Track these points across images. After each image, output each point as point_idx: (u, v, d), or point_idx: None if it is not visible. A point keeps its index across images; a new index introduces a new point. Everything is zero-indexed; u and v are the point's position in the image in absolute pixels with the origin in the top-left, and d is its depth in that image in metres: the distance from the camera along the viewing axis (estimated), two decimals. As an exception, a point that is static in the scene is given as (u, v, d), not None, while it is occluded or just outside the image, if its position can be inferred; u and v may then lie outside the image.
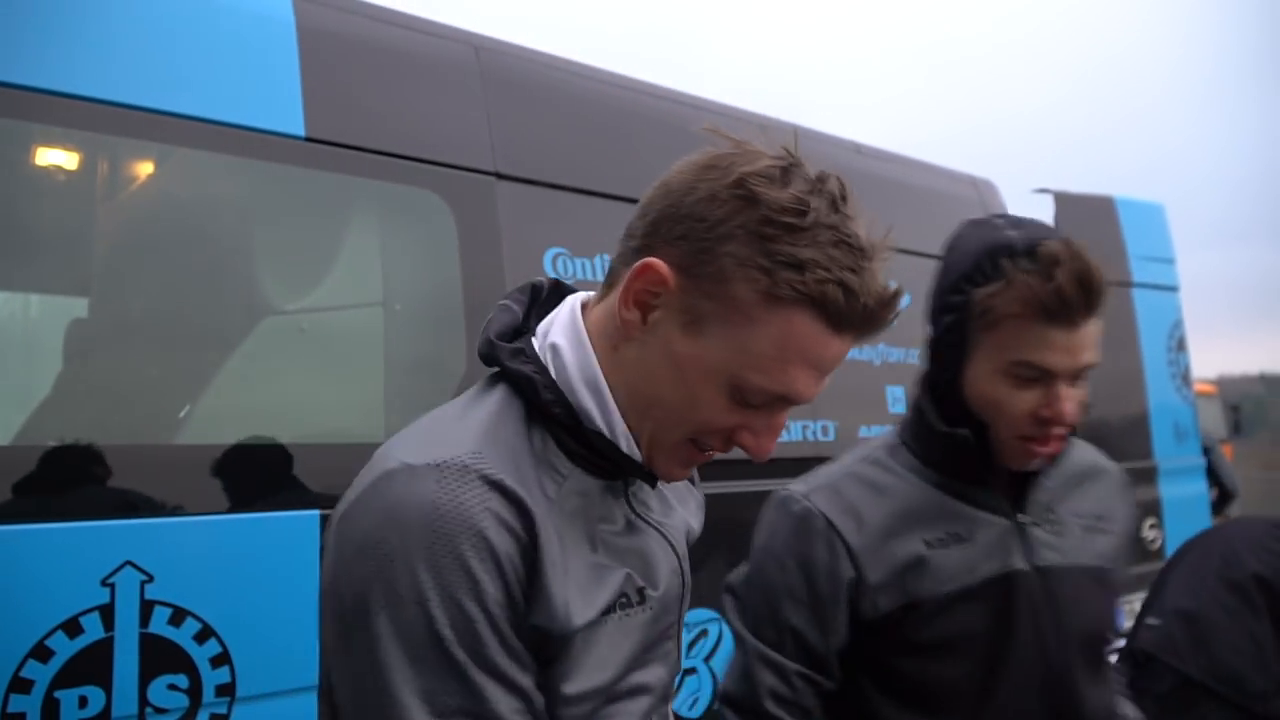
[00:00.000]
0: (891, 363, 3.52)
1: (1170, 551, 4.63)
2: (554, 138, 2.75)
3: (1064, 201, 4.59)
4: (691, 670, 2.81)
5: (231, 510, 2.04)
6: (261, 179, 2.27)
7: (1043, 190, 4.64)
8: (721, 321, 0.91)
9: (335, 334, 2.37)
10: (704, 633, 2.85)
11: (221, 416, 2.19)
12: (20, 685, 1.77)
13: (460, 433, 0.92)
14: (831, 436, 3.24)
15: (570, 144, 2.78)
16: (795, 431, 3.15)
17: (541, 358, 0.98)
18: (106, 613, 1.86)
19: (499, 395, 0.98)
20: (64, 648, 1.81)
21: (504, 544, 0.86)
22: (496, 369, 1.00)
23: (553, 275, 2.58)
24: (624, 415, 0.96)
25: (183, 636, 1.93)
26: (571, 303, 1.03)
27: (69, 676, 1.81)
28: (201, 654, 1.95)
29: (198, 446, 2.12)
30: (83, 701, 1.83)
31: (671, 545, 1.05)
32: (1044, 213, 4.57)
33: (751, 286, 0.89)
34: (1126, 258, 4.76)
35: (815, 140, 3.56)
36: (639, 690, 0.99)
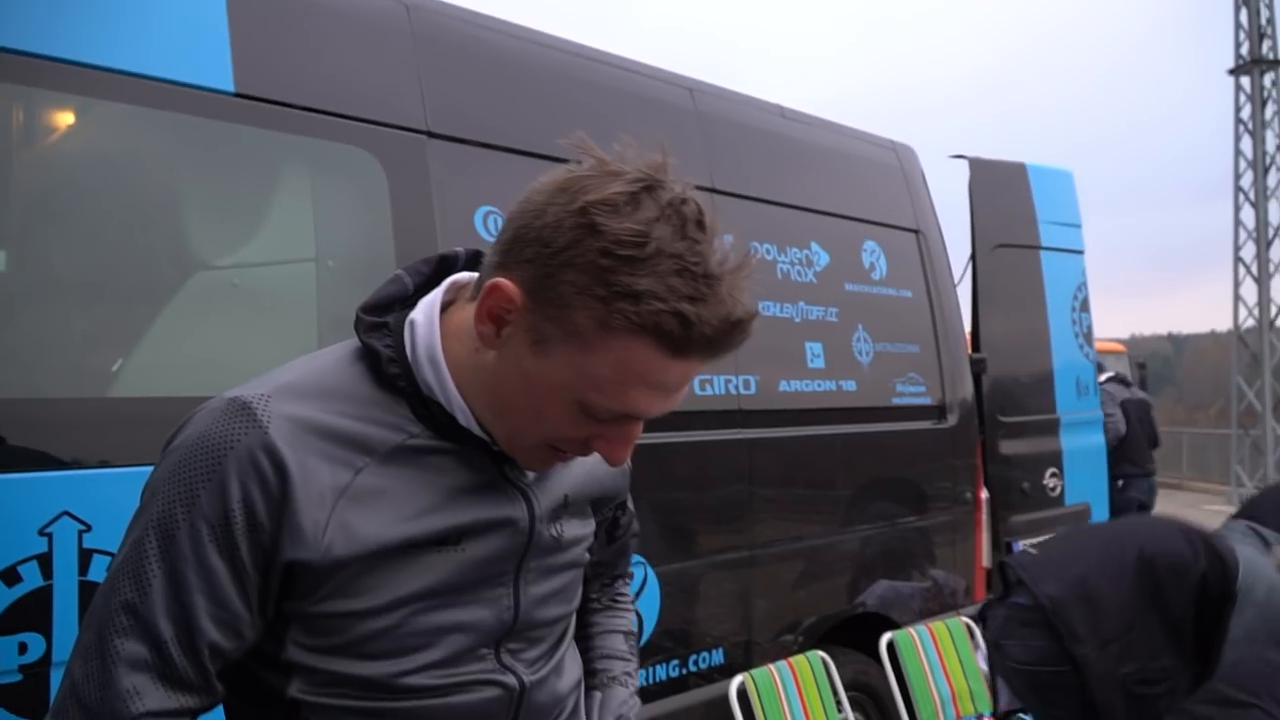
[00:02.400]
0: (811, 320, 3.65)
1: (1070, 499, 4.90)
2: (485, 97, 2.79)
3: (978, 167, 4.75)
4: (617, 614, 2.92)
5: (167, 461, 2.07)
6: (190, 134, 2.27)
7: (958, 156, 4.80)
8: (563, 345, 0.95)
9: (268, 289, 2.39)
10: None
11: (155, 370, 2.22)
12: (-41, 632, 1.80)
13: (276, 376, 1.04)
14: (753, 390, 3.37)
15: (502, 103, 2.82)
16: (718, 386, 3.26)
17: (401, 331, 1.06)
18: (45, 561, 1.89)
19: (344, 352, 1.08)
20: (2, 596, 1.84)
21: (239, 477, 0.96)
22: None
23: (484, 234, 2.65)
24: (482, 411, 1.03)
25: (121, 584, 1.97)
26: (446, 283, 1.10)
27: (8, 623, 1.85)
28: (140, 600, 1.99)
29: (133, 399, 2.14)
30: (22, 648, 1.86)
31: (528, 502, 1.10)
32: (960, 178, 4.74)
33: (589, 315, 0.92)
34: (1036, 222, 4.96)
35: (741, 103, 3.65)
36: (453, 627, 1.05)
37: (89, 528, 1.94)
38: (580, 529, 1.19)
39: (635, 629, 1.52)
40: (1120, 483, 7.11)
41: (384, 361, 1.04)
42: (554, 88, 2.95)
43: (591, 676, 1.39)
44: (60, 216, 2.19)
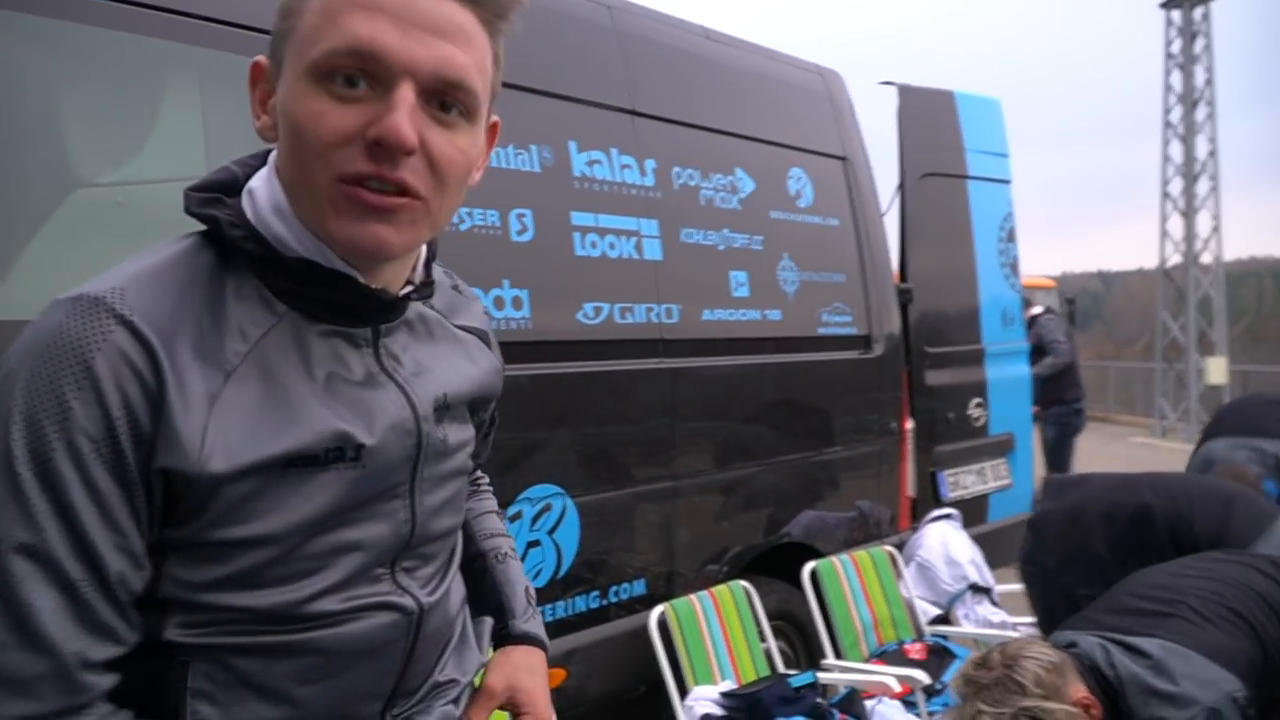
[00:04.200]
0: (736, 248, 3.60)
1: (994, 429, 4.96)
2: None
3: (906, 94, 4.71)
4: (535, 543, 2.89)
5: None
6: (68, 41, 2.13)
7: (887, 83, 4.74)
8: (288, 44, 0.92)
9: (154, 207, 2.27)
10: (548, 507, 2.92)
11: (33, 292, 2.09)
12: None
13: (116, 272, 0.91)
14: (675, 319, 3.32)
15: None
16: (639, 314, 3.20)
17: (240, 206, 0.97)
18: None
19: (184, 244, 0.97)
20: None
21: (115, 379, 0.85)
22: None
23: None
24: (301, 211, 0.94)
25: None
26: (273, 153, 1.01)
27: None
28: None
29: (8, 323, 2.03)
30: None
31: (410, 403, 1.02)
32: (888, 104, 4.69)
33: (291, 3, 0.93)
34: (963, 151, 4.94)
35: (663, 23, 3.54)
36: (350, 547, 0.98)
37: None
38: (462, 433, 1.12)
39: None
40: (1077, 405, 7.27)
41: (224, 226, 0.94)
42: None
43: (482, 557, 1.34)
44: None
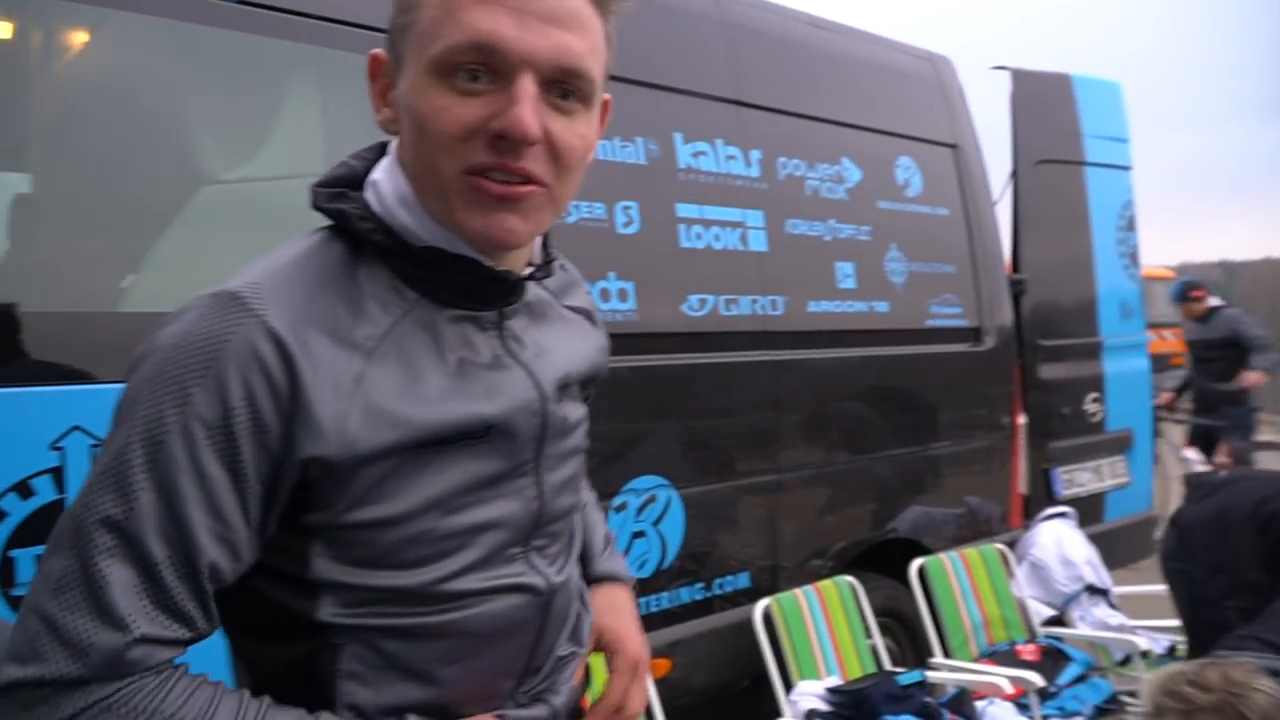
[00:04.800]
0: (842, 239, 3.56)
1: (1111, 425, 4.80)
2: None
3: (1021, 79, 4.57)
4: (640, 534, 2.90)
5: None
6: (197, 43, 2.22)
7: (1000, 67, 4.62)
8: (408, 39, 0.94)
9: (277, 203, 2.35)
10: (652, 498, 2.94)
11: (165, 286, 2.19)
12: (-25, 545, 1.81)
13: (255, 267, 0.94)
14: (780, 311, 3.29)
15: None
16: (744, 306, 3.19)
17: (365, 198, 0.99)
18: (57, 475, 1.89)
19: (315, 238, 0.99)
20: (16, 509, 1.85)
21: (240, 371, 0.87)
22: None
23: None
24: (427, 208, 0.97)
25: (134, 498, 1.97)
26: (392, 143, 1.04)
27: (23, 536, 1.86)
28: (153, 515, 1.99)
29: (143, 315, 2.13)
30: (38, 561, 1.88)
31: (536, 384, 1.04)
32: (1002, 90, 4.57)
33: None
34: (1081, 136, 4.78)
35: (768, 11, 3.52)
36: (486, 525, 1.00)
37: (100, 442, 1.93)
38: (578, 412, 1.14)
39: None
40: (1253, 405, 6.96)
41: (354, 219, 0.97)
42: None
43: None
44: (71, 133, 2.16)
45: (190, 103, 2.30)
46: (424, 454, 0.94)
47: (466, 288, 1.00)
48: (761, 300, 3.24)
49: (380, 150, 1.05)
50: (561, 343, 1.11)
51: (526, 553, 1.06)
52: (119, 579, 0.85)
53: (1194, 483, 2.93)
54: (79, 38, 2.16)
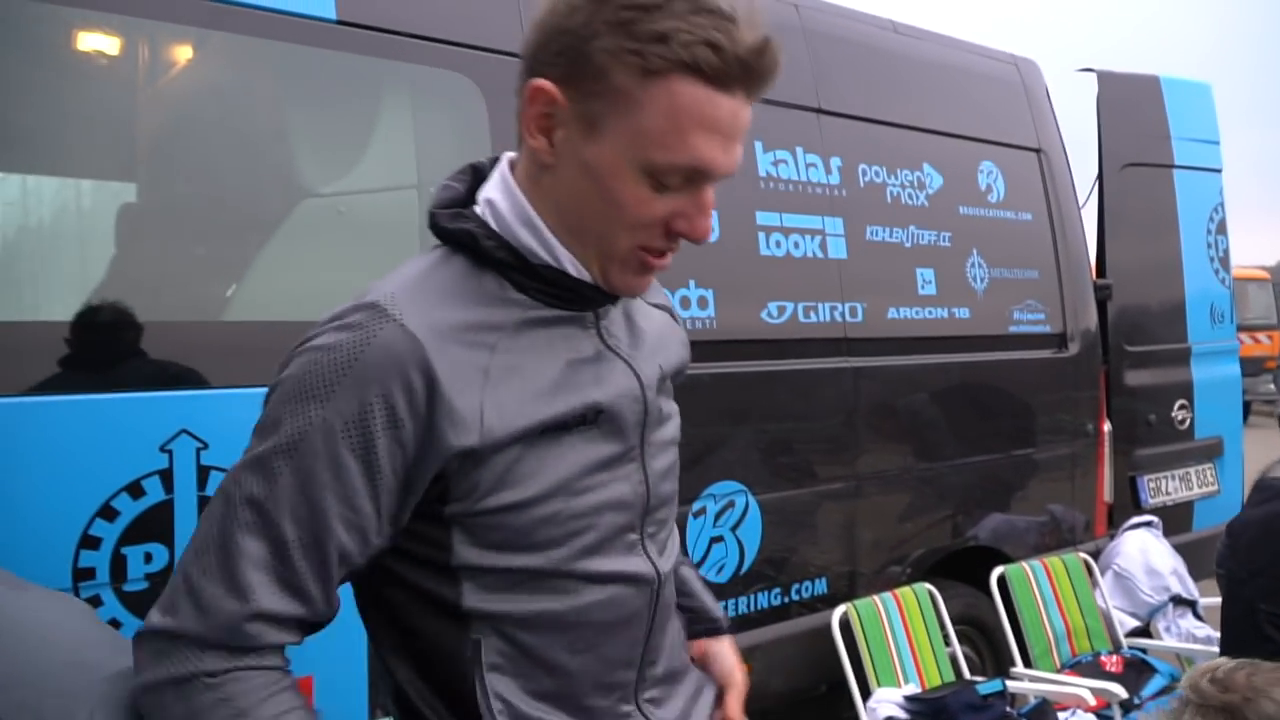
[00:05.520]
0: (922, 245, 3.54)
1: (1200, 433, 4.68)
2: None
3: (1107, 81, 4.49)
4: (718, 539, 2.93)
5: (278, 383, 2.14)
6: (295, 62, 2.31)
7: (1086, 70, 4.53)
8: (613, 114, 0.98)
9: (371, 216, 2.44)
10: (730, 504, 2.96)
11: (266, 295, 2.29)
12: (90, 542, 1.91)
13: (390, 279, 1.04)
14: (860, 318, 3.29)
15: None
16: (823, 313, 3.19)
17: (481, 216, 1.06)
18: (166, 477, 1.99)
19: (436, 254, 1.08)
20: (128, 508, 1.95)
21: (379, 372, 0.95)
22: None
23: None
24: (564, 242, 1.04)
25: (237, 499, 2.06)
26: (500, 163, 1.11)
27: (134, 534, 1.96)
28: (255, 515, 2.08)
29: (246, 323, 2.22)
30: (148, 557, 1.98)
31: (636, 374, 1.12)
32: (1087, 93, 4.49)
33: (626, 71, 0.96)
34: (1170, 139, 4.67)
35: (849, 18, 3.51)
36: (605, 506, 1.08)
37: (206, 445, 2.03)
38: (670, 404, 1.22)
39: None
40: None
41: (480, 239, 1.04)
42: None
43: None
44: (179, 147, 2.26)
45: (289, 118, 2.39)
46: (546, 440, 1.03)
47: (573, 295, 1.07)
48: (840, 307, 3.24)
49: (478, 171, 1.13)
50: (650, 337, 1.19)
51: (641, 539, 1.13)
52: (250, 552, 0.94)
53: (1257, 485, 2.86)
54: (183, 54, 2.26)
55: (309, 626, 1.00)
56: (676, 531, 1.25)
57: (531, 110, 1.01)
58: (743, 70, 0.97)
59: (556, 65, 0.99)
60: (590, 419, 1.06)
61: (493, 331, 1.02)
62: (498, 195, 1.07)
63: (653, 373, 1.15)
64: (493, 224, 1.06)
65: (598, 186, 1.00)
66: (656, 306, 1.26)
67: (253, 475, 0.96)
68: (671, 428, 1.20)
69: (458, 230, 1.06)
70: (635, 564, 1.11)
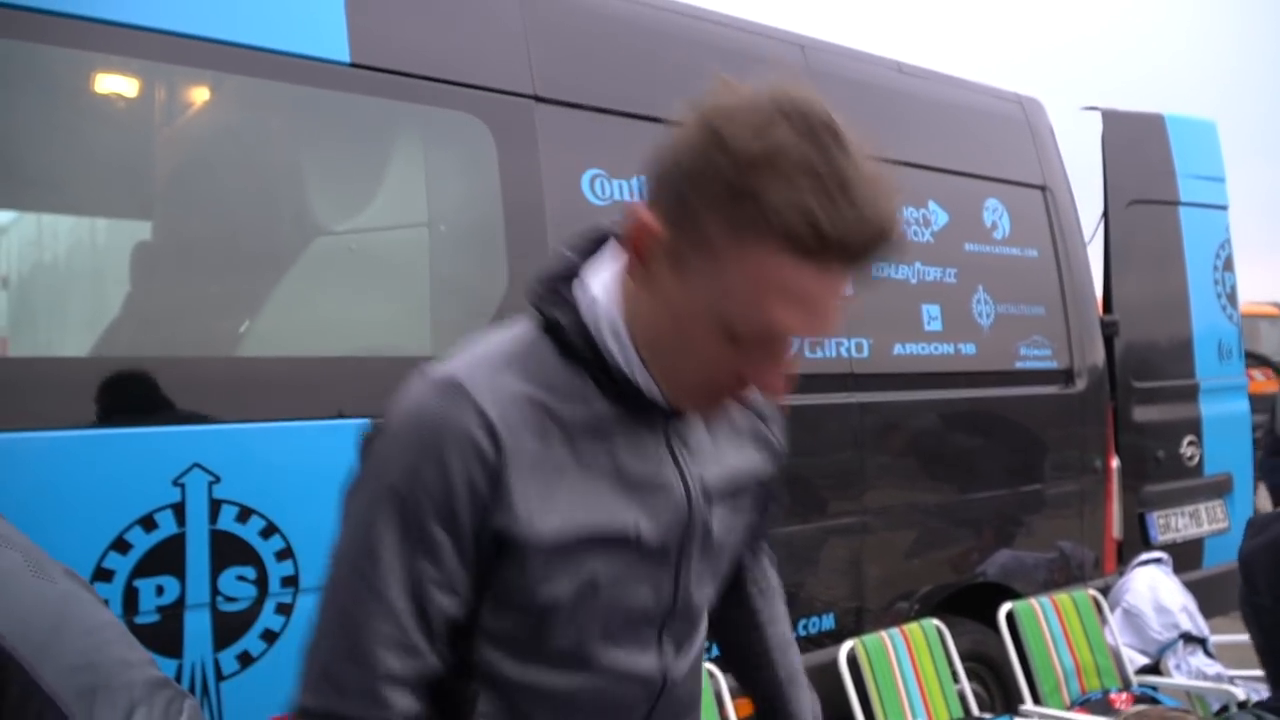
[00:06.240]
0: (928, 281, 3.56)
1: (1210, 469, 4.67)
2: (592, 60, 2.80)
3: (1112, 119, 4.53)
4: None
5: (290, 417, 2.18)
6: (309, 104, 2.36)
7: (1091, 108, 4.58)
8: (700, 263, 0.94)
9: (383, 253, 2.48)
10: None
11: (279, 331, 2.33)
12: (103, 574, 1.94)
13: (472, 354, 1.05)
14: (865, 354, 3.31)
15: (608, 66, 2.83)
16: (829, 349, 3.22)
17: (581, 300, 1.05)
18: (178, 510, 2.02)
19: (526, 330, 1.08)
20: (141, 541, 1.98)
21: (460, 452, 0.98)
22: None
23: (591, 197, 2.68)
24: (642, 355, 1.03)
25: (249, 532, 2.09)
26: (613, 248, 1.09)
27: (147, 567, 1.98)
28: (267, 549, 2.11)
29: (258, 359, 2.26)
30: (160, 590, 2.00)
31: (689, 489, 1.10)
32: (1092, 131, 4.53)
33: (718, 224, 0.91)
34: (1175, 176, 4.70)
35: (855, 59, 3.57)
36: (627, 607, 1.09)
37: (218, 479, 2.06)
38: (731, 516, 1.19)
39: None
40: None
41: (568, 333, 1.04)
42: (661, 49, 2.95)
43: (779, 685, 1.41)
44: (194, 188, 2.31)
45: (303, 158, 2.44)
46: (583, 546, 1.04)
47: (645, 403, 1.07)
48: (846, 343, 3.27)
49: (596, 238, 1.11)
50: (722, 445, 1.17)
51: (659, 636, 1.14)
52: (371, 626, 1.00)
53: (1249, 522, 2.86)
54: (203, 97, 2.32)
55: (427, 680, 1.04)
56: (703, 627, 1.24)
57: (631, 234, 0.99)
58: (842, 251, 0.90)
59: (661, 198, 0.97)
60: (631, 539, 1.06)
61: (562, 424, 1.03)
62: (601, 291, 1.06)
63: (715, 481, 1.14)
64: (585, 316, 1.05)
65: (677, 326, 0.98)
66: (749, 408, 1.21)
67: (358, 552, 1.00)
68: (723, 538, 1.17)
69: (550, 316, 1.06)
70: (643, 662, 1.12)
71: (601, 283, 1.06)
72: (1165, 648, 3.92)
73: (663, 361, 1.02)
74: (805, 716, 1.40)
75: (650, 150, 1.00)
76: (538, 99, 2.64)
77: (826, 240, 0.88)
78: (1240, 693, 3.46)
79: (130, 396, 2.05)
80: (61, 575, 1.09)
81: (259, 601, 2.10)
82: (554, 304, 1.06)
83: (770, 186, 0.88)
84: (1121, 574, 4.17)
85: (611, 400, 1.05)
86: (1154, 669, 3.92)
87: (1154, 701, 3.61)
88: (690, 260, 0.95)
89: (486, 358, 1.04)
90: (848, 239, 0.89)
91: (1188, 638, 3.94)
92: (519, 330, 1.08)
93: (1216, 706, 3.65)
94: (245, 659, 2.09)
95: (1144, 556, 4.17)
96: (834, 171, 0.88)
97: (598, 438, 1.05)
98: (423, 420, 1.00)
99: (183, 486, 2.03)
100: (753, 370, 0.98)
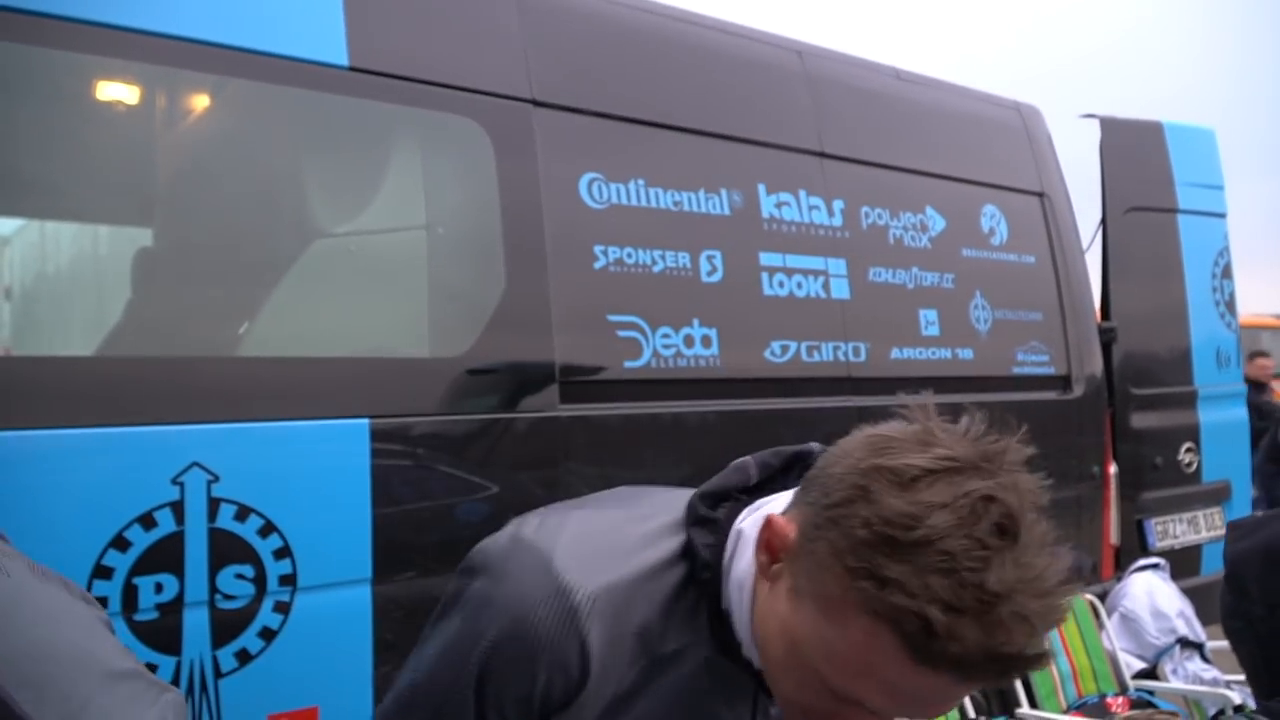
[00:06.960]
0: (925, 286, 3.58)
1: (1208, 476, 4.68)
2: (590, 64, 2.83)
3: (1110, 127, 4.55)
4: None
5: (289, 418, 2.20)
6: (308, 108, 2.38)
7: (1089, 115, 4.60)
8: (812, 604, 0.87)
9: (382, 255, 2.50)
10: (733, 542, 2.98)
11: (278, 332, 2.35)
12: (102, 572, 1.95)
13: (607, 568, 0.99)
14: (863, 358, 3.33)
15: (606, 70, 2.85)
16: (826, 353, 3.23)
17: (728, 543, 1.00)
18: (177, 508, 2.03)
19: (674, 547, 1.02)
20: (140, 539, 1.99)
21: (548, 675, 0.97)
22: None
23: (588, 200, 2.70)
24: (755, 635, 0.98)
25: (247, 531, 2.11)
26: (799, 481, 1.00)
27: (146, 565, 2.00)
28: (265, 547, 2.12)
29: (258, 360, 2.28)
30: (158, 588, 2.01)
31: None
32: (1091, 138, 4.55)
33: (836, 582, 0.83)
34: (1173, 184, 4.72)
35: (853, 65, 3.59)
36: None
37: (217, 478, 2.08)
38: None
39: None
40: None
41: (698, 567, 1.00)
42: (658, 53, 2.96)
43: None
44: (194, 192, 2.33)
45: (302, 161, 2.47)
46: None
47: (745, 662, 1.02)
48: (844, 347, 3.28)
49: (789, 460, 1.07)
50: None
51: None
52: None
53: (1230, 525, 2.82)
54: (201, 101, 2.35)
55: None
56: None
57: (765, 533, 0.93)
58: (954, 664, 0.79)
59: (802, 512, 0.90)
60: None
61: (649, 653, 0.99)
62: (745, 566, 0.98)
63: None
64: (728, 559, 0.99)
65: (779, 641, 0.91)
66: None
67: (421, 714, 1.02)
68: None
69: (694, 549, 1.01)
70: None
71: (755, 525, 0.98)
72: (1162, 653, 3.93)
73: (765, 653, 0.95)
74: None
75: (828, 450, 0.93)
76: (535, 103, 2.66)
77: (938, 651, 0.79)
78: (1236, 697, 3.47)
79: (130, 395, 2.06)
80: (22, 570, 1.04)
81: (257, 599, 2.12)
82: (700, 524, 1.01)
83: (897, 574, 0.79)
84: (1119, 579, 4.18)
85: (716, 648, 1.01)
86: (1151, 674, 3.93)
87: (1151, 706, 3.61)
88: (805, 595, 0.87)
89: (621, 585, 0.99)
90: (965, 658, 0.79)
91: (1184, 643, 3.94)
92: (660, 554, 1.02)
93: (1213, 711, 3.65)
94: (243, 656, 2.10)
95: (1141, 562, 4.18)
96: (979, 579, 0.78)
97: (688, 683, 1.01)
98: (529, 629, 0.96)
99: (182, 485, 2.04)
100: (829, 712, 0.91)
